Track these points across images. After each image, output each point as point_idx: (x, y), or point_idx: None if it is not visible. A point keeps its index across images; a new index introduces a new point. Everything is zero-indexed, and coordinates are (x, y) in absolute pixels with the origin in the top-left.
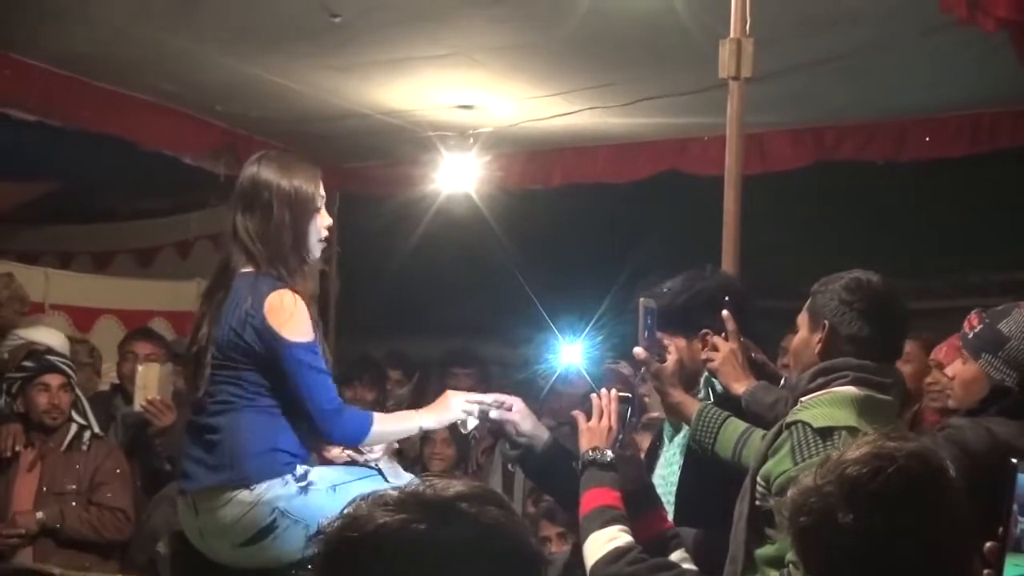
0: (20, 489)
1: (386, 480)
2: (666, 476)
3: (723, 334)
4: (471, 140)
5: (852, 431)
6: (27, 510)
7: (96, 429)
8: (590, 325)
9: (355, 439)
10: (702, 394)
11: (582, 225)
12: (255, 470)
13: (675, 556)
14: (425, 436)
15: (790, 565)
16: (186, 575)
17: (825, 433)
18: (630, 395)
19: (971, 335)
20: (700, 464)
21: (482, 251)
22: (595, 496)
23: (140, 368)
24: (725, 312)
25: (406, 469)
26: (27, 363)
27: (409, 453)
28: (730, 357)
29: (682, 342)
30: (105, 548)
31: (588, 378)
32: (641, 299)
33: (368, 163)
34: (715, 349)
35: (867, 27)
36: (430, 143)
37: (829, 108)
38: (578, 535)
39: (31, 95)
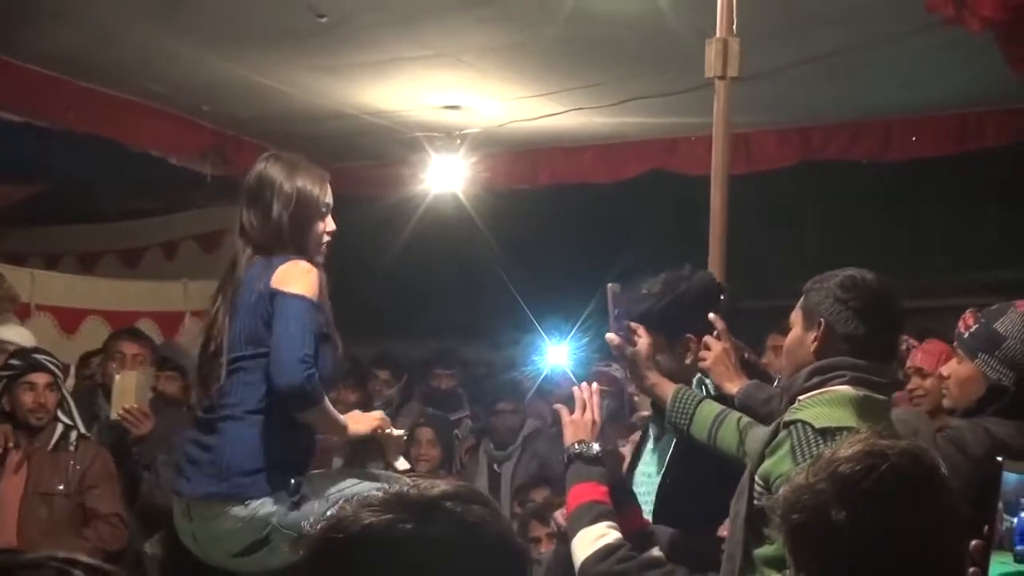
0: (6, 490)
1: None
2: (650, 474)
3: (714, 333)
4: (458, 141)
5: (852, 432)
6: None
7: (82, 429)
8: (576, 327)
9: (307, 405)
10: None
11: (569, 225)
12: (248, 487)
13: (653, 553)
14: (410, 437)
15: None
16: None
17: (827, 434)
18: (609, 389)
19: (967, 335)
20: (686, 464)
21: (469, 251)
22: (582, 491)
23: (117, 377)
24: (712, 314)
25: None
26: (13, 361)
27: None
28: (722, 357)
29: (661, 341)
30: None
31: (574, 379)
32: (608, 285)
33: (356, 164)
34: (707, 349)
35: (852, 26)
36: (417, 144)
37: (814, 108)
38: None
39: (17, 96)
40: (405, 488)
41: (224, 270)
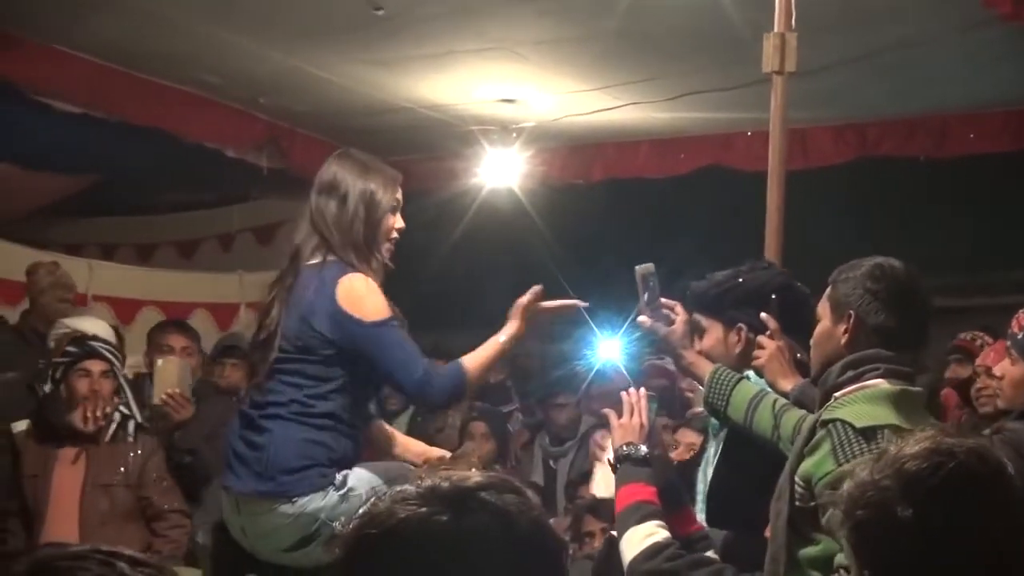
0: (63, 483)
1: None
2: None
3: (767, 332)
4: (513, 135)
5: (894, 429)
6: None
7: (140, 419)
8: (628, 321)
9: (457, 395)
10: None
11: (623, 220)
12: (295, 485)
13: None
14: (464, 429)
15: (840, 570)
16: (227, 565)
17: (868, 433)
18: (655, 393)
19: (1020, 335)
20: (734, 465)
21: (523, 245)
22: (631, 492)
23: (159, 362)
24: (764, 314)
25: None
26: (70, 348)
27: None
28: (776, 355)
29: (719, 329)
30: None
31: (626, 374)
32: (637, 267)
33: (411, 157)
34: (761, 348)
35: (909, 22)
36: (472, 137)
37: (871, 103)
38: None
39: (75, 87)
40: (439, 481)
41: (288, 259)
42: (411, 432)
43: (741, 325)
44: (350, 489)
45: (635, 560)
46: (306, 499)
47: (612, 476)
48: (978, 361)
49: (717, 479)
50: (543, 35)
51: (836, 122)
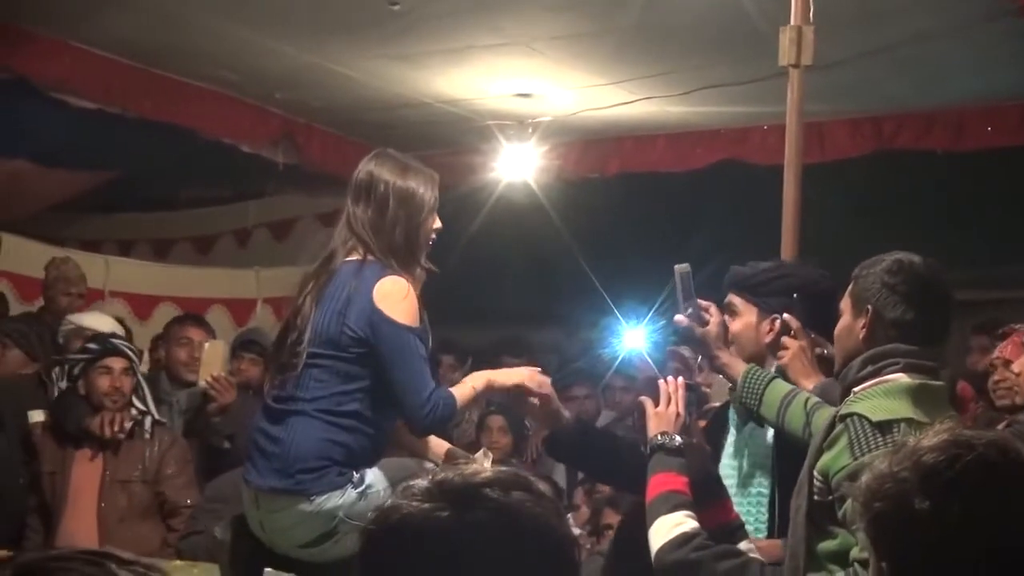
0: (81, 479)
1: None
2: (735, 466)
3: (791, 332)
4: (529, 129)
5: (910, 423)
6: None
7: (156, 415)
8: (652, 311)
9: (443, 424)
10: None
11: (639, 214)
12: (313, 483)
13: (741, 547)
14: (481, 424)
15: (856, 564)
16: (244, 560)
17: (884, 427)
18: (695, 384)
19: None
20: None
21: (540, 239)
22: (662, 481)
23: (206, 345)
24: (786, 314)
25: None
26: (90, 345)
27: (463, 440)
28: (798, 354)
29: (753, 314)
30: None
31: (651, 362)
32: (676, 266)
33: (427, 152)
34: (784, 348)
35: (926, 15)
36: (489, 132)
37: (887, 97)
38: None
39: (91, 83)
40: (448, 475)
41: (320, 258)
42: None
43: (776, 316)
44: (368, 486)
45: (662, 549)
46: (324, 497)
47: None
48: (996, 353)
49: (786, 492)
50: (559, 30)
51: (852, 115)
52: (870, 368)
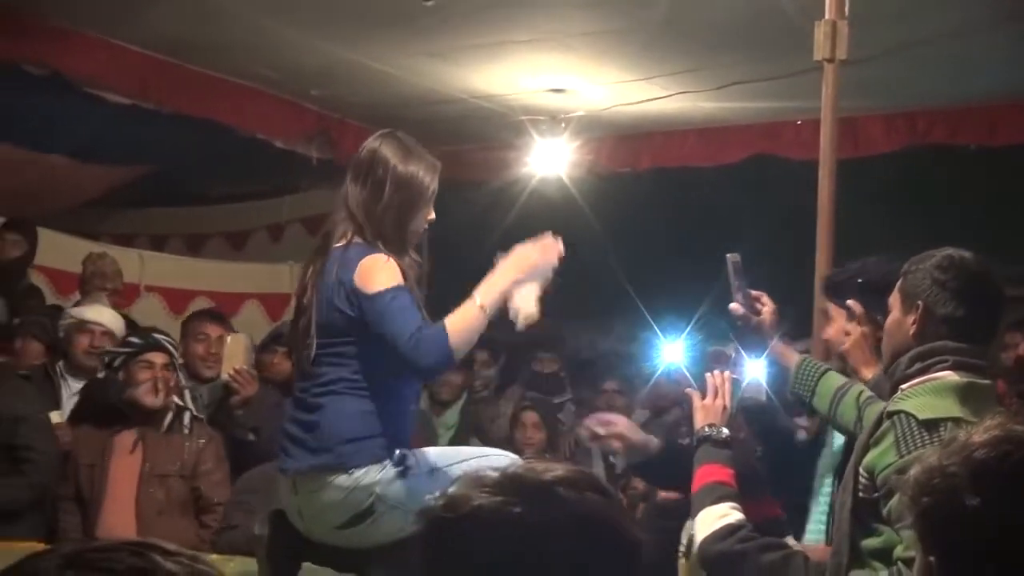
0: (120, 471)
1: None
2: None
3: (855, 320)
4: (562, 124)
5: (957, 422)
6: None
7: (195, 411)
8: (691, 324)
9: (443, 360)
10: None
11: (671, 209)
12: (352, 455)
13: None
14: (515, 419)
15: (899, 563)
16: (282, 554)
17: (931, 425)
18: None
19: None
20: None
21: (571, 234)
22: (708, 472)
23: (228, 338)
24: (850, 301)
25: None
26: (132, 339)
27: (497, 436)
28: (860, 342)
29: (842, 317)
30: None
31: (689, 376)
32: (728, 255)
33: (461, 147)
34: (847, 334)
35: (960, 10)
36: (522, 127)
37: (921, 92)
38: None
39: (127, 78)
40: (521, 470)
41: (319, 238)
42: (463, 421)
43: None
44: (408, 467)
45: (706, 540)
46: (362, 471)
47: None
48: None
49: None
50: (592, 25)
51: (886, 110)
52: (919, 365)
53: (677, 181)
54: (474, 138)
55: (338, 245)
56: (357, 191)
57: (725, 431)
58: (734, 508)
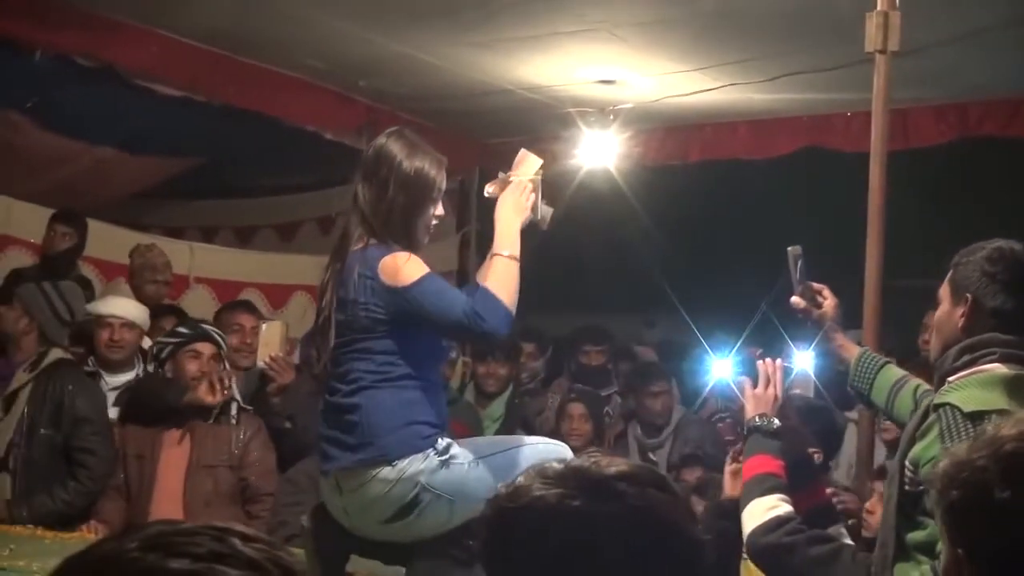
0: (168, 463)
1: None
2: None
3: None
4: (611, 116)
5: (1003, 414)
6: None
7: (241, 401)
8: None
9: (504, 318)
10: None
11: (721, 201)
12: (395, 446)
13: (831, 530)
14: (561, 410)
15: (941, 556)
16: (329, 548)
17: (975, 417)
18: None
19: None
20: None
21: (620, 227)
22: (758, 463)
23: (264, 326)
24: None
25: None
26: (181, 329)
27: (544, 428)
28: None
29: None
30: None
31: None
32: (789, 248)
33: (508, 139)
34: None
35: (1012, 1)
36: (570, 119)
37: (972, 83)
38: None
39: (177, 71)
40: (584, 463)
41: (336, 240)
42: (508, 414)
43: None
44: (452, 456)
45: (755, 532)
46: (406, 461)
47: None
48: None
49: None
50: (642, 16)
51: (937, 102)
52: (966, 357)
53: (726, 173)
54: (522, 130)
55: (355, 248)
56: (365, 190)
57: (776, 422)
58: (783, 500)
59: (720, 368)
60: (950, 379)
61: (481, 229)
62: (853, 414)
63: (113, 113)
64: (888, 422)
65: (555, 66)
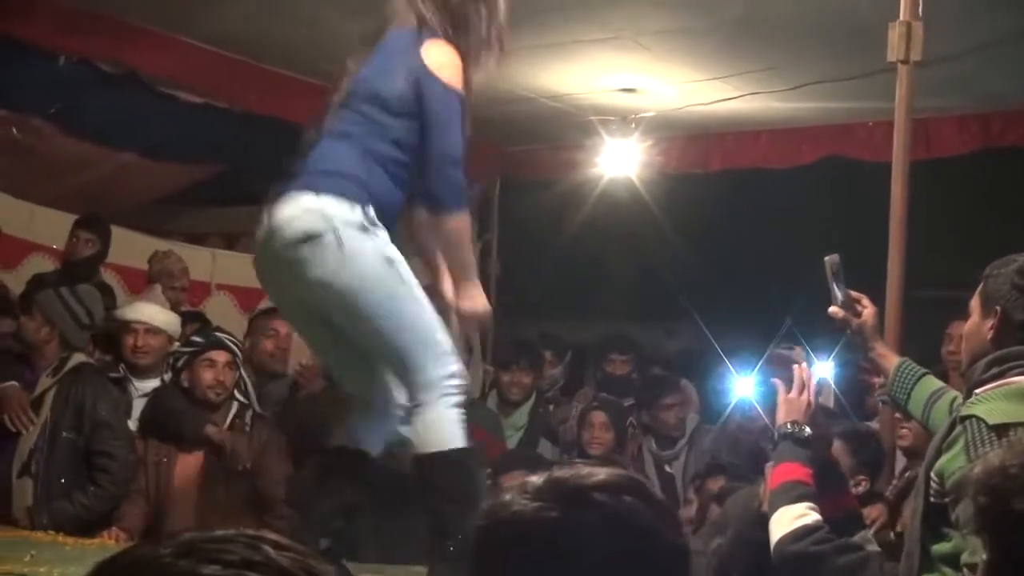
0: (184, 469)
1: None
2: None
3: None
4: (632, 124)
5: None
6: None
7: (257, 408)
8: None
9: (452, 200)
10: None
11: (742, 210)
12: (330, 184)
13: (858, 537)
14: (583, 419)
15: (965, 569)
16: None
17: (1000, 430)
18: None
19: None
20: None
21: (641, 235)
22: (787, 470)
23: (295, 334)
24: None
25: (563, 452)
26: (195, 338)
27: (566, 436)
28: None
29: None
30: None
31: (761, 411)
32: (826, 257)
33: (530, 147)
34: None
35: None
36: (592, 127)
37: (995, 93)
38: None
39: (197, 76)
40: (563, 474)
41: (375, 26)
42: (532, 422)
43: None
44: (374, 227)
45: (783, 540)
46: (331, 199)
47: None
48: None
49: None
50: (665, 24)
51: (959, 112)
52: (995, 370)
53: (748, 182)
54: (543, 138)
55: (403, 27)
56: None
57: (807, 430)
58: (811, 508)
59: (742, 385)
60: (977, 391)
61: (502, 235)
62: (875, 424)
63: (135, 119)
64: (904, 429)
65: (577, 74)
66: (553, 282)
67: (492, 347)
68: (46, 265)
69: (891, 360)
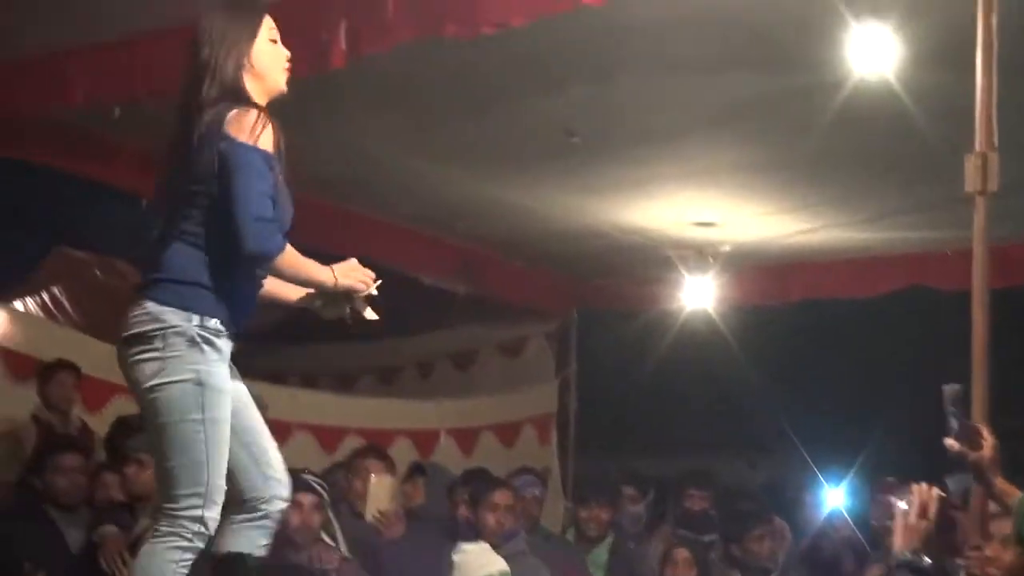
0: None
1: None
2: None
3: None
4: (710, 258)
5: None
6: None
7: (345, 552)
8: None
9: (268, 251)
10: None
11: (822, 341)
12: (159, 291)
13: None
14: (666, 557)
15: None
16: None
17: None
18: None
19: None
20: None
21: (719, 369)
22: None
23: (373, 478)
24: None
25: None
26: None
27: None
28: None
29: None
30: None
31: (850, 522)
32: (945, 387)
33: (606, 280)
34: None
35: None
36: (669, 261)
37: None
38: None
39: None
40: None
41: (176, 111)
42: (613, 560)
43: None
44: (208, 345)
45: None
46: (167, 308)
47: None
48: None
49: None
50: (742, 159)
51: None
52: None
53: (828, 313)
54: (621, 271)
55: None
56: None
57: (927, 560)
58: None
59: (833, 497)
60: None
61: (580, 369)
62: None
63: None
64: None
65: (654, 209)
66: (633, 416)
67: (572, 483)
68: (129, 407)
69: (1012, 494)
